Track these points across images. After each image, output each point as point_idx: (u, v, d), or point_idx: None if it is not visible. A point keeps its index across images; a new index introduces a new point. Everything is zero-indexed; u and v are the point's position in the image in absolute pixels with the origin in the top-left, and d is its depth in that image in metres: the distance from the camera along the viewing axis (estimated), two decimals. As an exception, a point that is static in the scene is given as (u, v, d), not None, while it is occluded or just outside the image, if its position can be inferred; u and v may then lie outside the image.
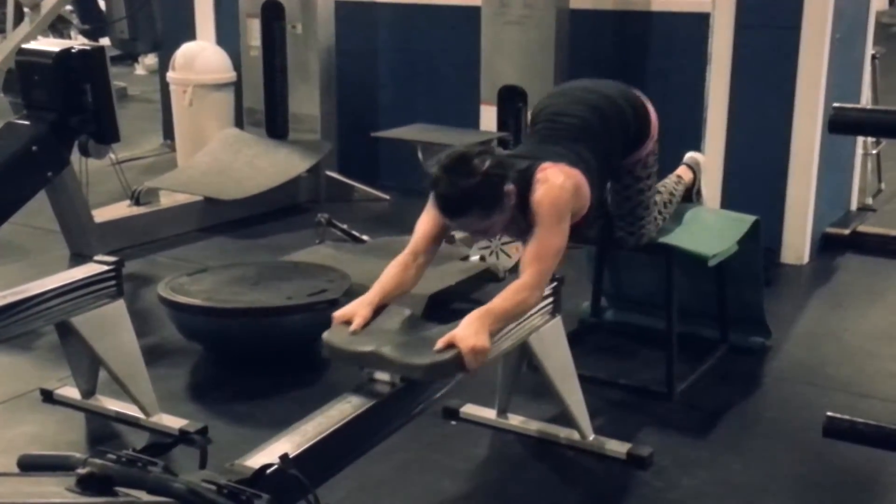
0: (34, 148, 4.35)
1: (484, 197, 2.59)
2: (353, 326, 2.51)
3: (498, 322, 2.53)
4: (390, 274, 2.68)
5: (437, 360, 2.38)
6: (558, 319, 2.89)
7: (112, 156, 4.75)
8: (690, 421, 3.27)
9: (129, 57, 9.52)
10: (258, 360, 3.60)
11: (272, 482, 1.96)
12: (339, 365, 3.58)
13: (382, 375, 2.45)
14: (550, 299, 2.84)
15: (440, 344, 2.41)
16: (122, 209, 5.09)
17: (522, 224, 2.72)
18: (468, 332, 2.42)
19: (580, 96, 3.06)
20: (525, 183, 2.68)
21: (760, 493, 2.86)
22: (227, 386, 3.50)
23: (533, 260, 2.62)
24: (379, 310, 2.58)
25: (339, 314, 2.57)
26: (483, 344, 2.42)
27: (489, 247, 3.88)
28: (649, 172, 3.18)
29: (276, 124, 5.94)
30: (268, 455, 2.08)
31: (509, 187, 2.63)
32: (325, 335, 2.52)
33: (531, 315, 2.73)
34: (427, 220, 2.75)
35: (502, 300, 2.56)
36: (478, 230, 2.75)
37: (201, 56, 6.18)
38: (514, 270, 2.88)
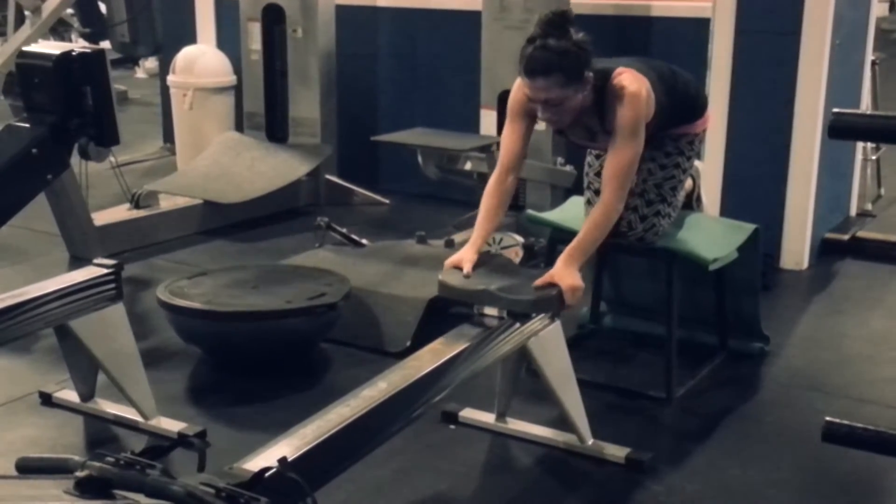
0: (34, 150, 4.35)
1: (569, 64, 2.78)
2: (465, 270, 2.84)
3: (588, 253, 2.90)
4: (489, 202, 2.99)
5: (542, 295, 2.78)
6: (558, 324, 2.89)
7: (112, 159, 4.75)
8: (689, 426, 3.27)
9: (129, 60, 9.53)
10: (257, 363, 3.60)
11: (271, 485, 1.96)
12: (338, 369, 3.59)
13: (491, 311, 2.85)
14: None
15: (540, 282, 2.79)
16: (121, 212, 5.08)
17: (592, 122, 2.97)
18: (566, 272, 2.80)
19: (655, 62, 3.24)
20: (602, 81, 2.88)
21: (759, 498, 2.85)
22: (226, 389, 3.50)
23: (613, 177, 2.88)
24: (483, 256, 2.94)
25: (449, 261, 2.92)
26: (578, 283, 2.80)
27: (489, 250, 3.88)
28: (691, 154, 3.31)
29: (276, 128, 5.94)
30: (266, 458, 2.07)
31: (589, 74, 2.84)
32: (441, 276, 2.87)
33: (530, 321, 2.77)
34: (510, 134, 3.02)
35: (589, 230, 2.90)
36: (551, 100, 2.84)
37: (202, 60, 6.18)
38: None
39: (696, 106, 3.27)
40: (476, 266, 2.89)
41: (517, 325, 2.77)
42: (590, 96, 2.90)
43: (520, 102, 3.00)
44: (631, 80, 2.91)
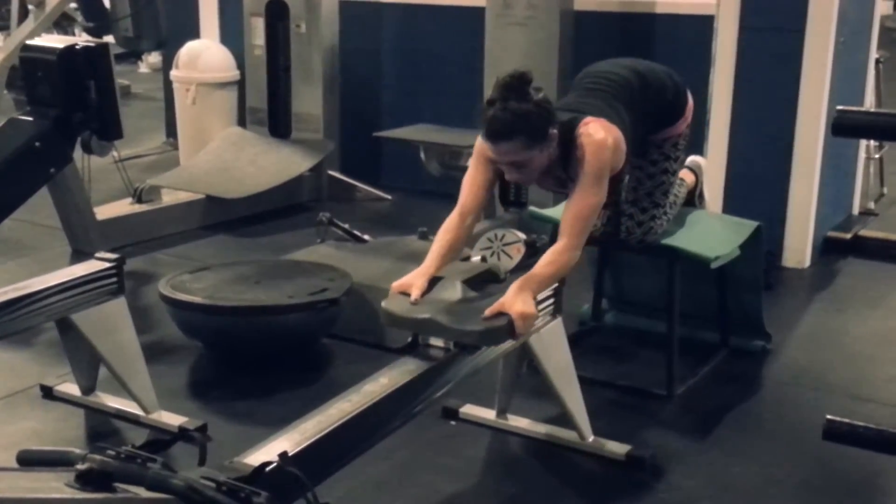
0: (37, 144, 4.35)
1: (532, 126, 2.67)
2: (413, 297, 2.64)
3: (542, 287, 2.69)
4: (442, 241, 2.80)
5: (490, 325, 2.56)
6: (559, 321, 2.89)
7: (114, 153, 4.75)
8: (690, 423, 3.27)
9: (132, 55, 9.51)
10: (258, 358, 3.60)
11: (271, 480, 1.96)
12: (340, 364, 3.59)
13: (437, 341, 2.64)
14: (551, 300, 2.84)
15: (489, 312, 2.57)
16: (124, 206, 5.09)
17: (560, 175, 2.85)
18: (517, 299, 2.58)
19: (626, 63, 3.18)
20: (567, 134, 2.78)
21: (760, 496, 2.85)
22: (227, 384, 3.50)
23: (573, 221, 2.74)
24: (433, 281, 2.72)
25: (396, 285, 2.72)
26: (531, 310, 2.59)
27: (490, 247, 3.88)
28: (678, 155, 3.26)
29: (278, 123, 5.94)
30: (267, 453, 2.07)
31: (553, 131, 2.72)
32: (384, 303, 2.67)
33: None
34: (472, 175, 2.87)
35: (545, 265, 2.70)
36: (516, 162, 2.73)
37: (205, 55, 6.18)
38: (516, 271, 2.88)
39: (674, 108, 3.19)
40: (425, 292, 2.67)
41: (465, 357, 2.62)
42: (556, 151, 2.78)
43: (486, 151, 2.82)
44: (597, 129, 2.79)
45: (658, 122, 3.16)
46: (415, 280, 2.70)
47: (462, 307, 2.64)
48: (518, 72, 2.71)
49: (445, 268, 2.78)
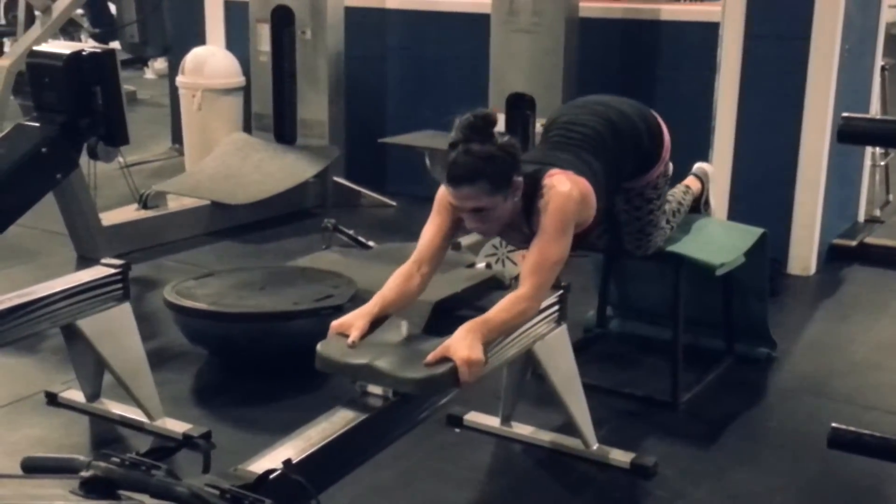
0: (43, 150, 4.36)
1: (494, 170, 2.51)
2: (351, 339, 2.44)
3: (493, 333, 2.46)
4: (392, 285, 2.61)
5: (431, 374, 2.32)
6: (564, 328, 2.88)
7: (120, 159, 4.75)
8: (695, 431, 3.26)
9: (139, 61, 9.52)
10: (263, 364, 3.60)
11: (275, 487, 1.96)
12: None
13: (376, 389, 2.41)
14: (556, 307, 2.83)
15: (432, 357, 2.34)
16: (129, 212, 5.10)
17: (525, 229, 2.67)
18: (462, 343, 2.36)
19: (595, 109, 3.02)
20: (532, 186, 2.63)
21: (765, 505, 2.85)
22: (232, 390, 3.50)
23: (533, 271, 2.56)
24: (378, 321, 2.52)
25: (336, 324, 2.51)
26: (477, 356, 2.35)
27: (495, 254, 3.88)
28: (659, 193, 3.16)
29: (284, 129, 5.95)
30: (271, 460, 2.08)
31: (517, 179, 2.58)
32: (319, 346, 2.45)
33: (536, 323, 2.73)
34: (432, 224, 2.70)
35: (499, 311, 2.50)
36: (479, 209, 2.56)
37: (211, 61, 6.20)
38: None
39: (650, 154, 3.04)
40: (366, 334, 2.47)
41: (407, 406, 2.43)
42: (520, 202, 2.62)
43: (447, 199, 2.65)
44: (563, 181, 2.63)
45: (635, 170, 3.05)
46: (355, 320, 2.48)
47: (404, 351, 2.43)
48: (482, 112, 2.57)
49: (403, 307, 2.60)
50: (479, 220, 2.61)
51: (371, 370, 2.35)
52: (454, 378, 2.34)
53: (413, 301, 2.63)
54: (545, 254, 2.57)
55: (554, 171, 2.68)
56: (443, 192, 2.66)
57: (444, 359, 2.34)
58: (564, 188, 2.62)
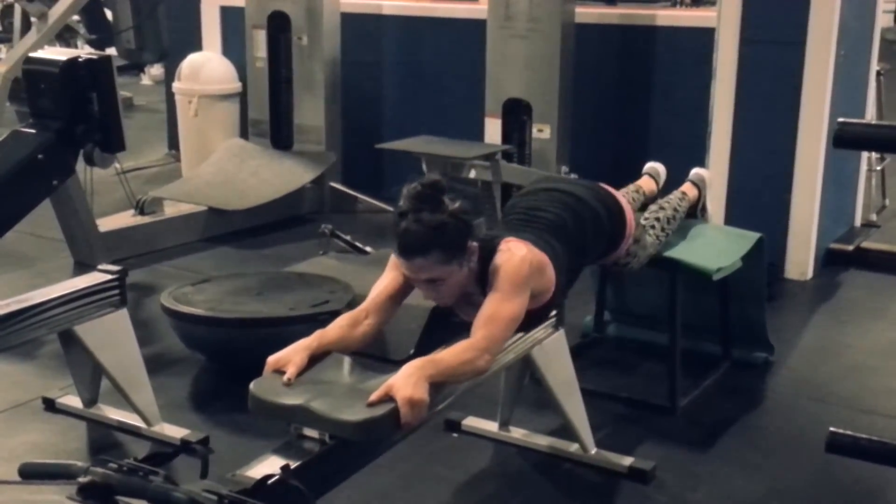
0: (40, 156, 4.36)
1: (447, 238, 2.41)
2: (287, 376, 2.28)
3: (439, 376, 2.31)
4: (336, 325, 2.49)
5: (369, 416, 2.15)
6: (561, 333, 2.88)
7: (117, 165, 4.76)
8: (693, 435, 3.26)
9: (135, 67, 9.53)
10: (260, 370, 3.59)
11: (273, 493, 1.96)
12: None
13: (312, 432, 2.24)
14: (554, 312, 2.84)
15: (374, 396, 2.19)
16: (126, 218, 5.10)
17: (479, 300, 2.52)
18: (407, 382, 2.21)
19: (555, 196, 2.97)
20: (487, 252, 2.52)
21: (763, 509, 2.85)
22: (230, 396, 3.49)
23: (486, 322, 2.43)
24: (318, 357, 2.37)
25: (272, 360, 2.36)
26: (421, 396, 2.21)
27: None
28: (631, 257, 3.15)
29: (280, 135, 5.96)
30: (269, 465, 2.07)
31: (473, 245, 2.47)
32: (253, 386, 2.28)
33: (535, 328, 2.74)
34: (385, 279, 2.60)
35: (448, 355, 2.36)
36: (431, 279, 2.47)
37: (207, 67, 6.20)
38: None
39: (613, 235, 3.02)
40: (304, 370, 2.31)
41: (345, 450, 2.26)
42: (476, 267, 2.51)
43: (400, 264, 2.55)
44: (519, 247, 2.55)
45: (602, 252, 3.04)
46: (292, 355, 2.33)
47: (345, 390, 2.26)
48: (430, 180, 2.48)
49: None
50: (434, 290, 2.52)
51: (306, 412, 2.18)
52: (395, 420, 2.18)
53: (353, 348, 2.48)
54: (498, 309, 2.45)
55: (510, 238, 2.62)
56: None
57: (387, 398, 2.20)
58: (520, 252, 2.55)
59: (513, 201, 3.07)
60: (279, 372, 2.32)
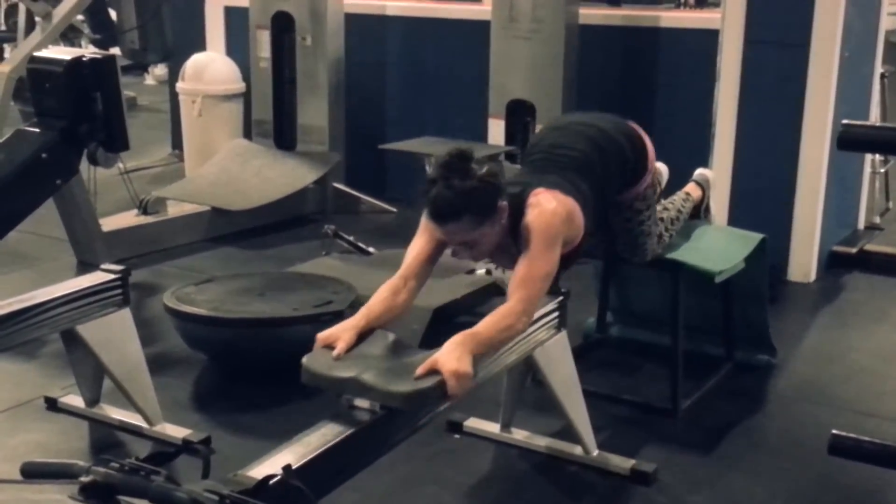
0: (44, 155, 4.36)
1: (478, 203, 2.51)
2: (336, 351, 2.42)
3: (482, 347, 2.43)
4: (379, 298, 2.59)
5: (419, 387, 2.30)
6: (563, 334, 2.88)
7: (120, 165, 4.76)
8: (695, 438, 3.26)
9: (139, 67, 9.56)
10: (263, 370, 3.60)
11: (275, 493, 1.96)
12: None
13: (362, 402, 2.35)
14: (556, 314, 2.84)
15: (421, 370, 2.32)
16: (129, 218, 5.10)
17: (513, 250, 2.64)
18: (451, 356, 2.33)
19: (578, 130, 3.01)
20: (517, 207, 2.62)
21: (765, 512, 2.85)
22: (232, 396, 3.50)
23: (521, 284, 2.54)
24: (364, 334, 2.50)
25: (321, 337, 2.48)
26: (466, 369, 2.33)
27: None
28: (648, 204, 3.14)
29: (284, 135, 5.96)
30: (271, 466, 2.07)
31: (502, 203, 2.57)
32: (305, 359, 2.43)
33: (536, 329, 2.73)
34: (419, 241, 2.69)
35: (488, 325, 2.47)
36: (466, 241, 2.58)
37: (211, 67, 6.21)
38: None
39: (636, 169, 3.03)
40: (353, 346, 2.45)
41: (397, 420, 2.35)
42: (507, 224, 2.61)
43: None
44: (548, 199, 2.63)
45: (622, 185, 3.04)
46: (341, 333, 2.46)
47: (392, 364, 2.40)
48: (457, 150, 2.57)
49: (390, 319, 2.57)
50: (469, 251, 2.63)
51: (358, 384, 2.31)
52: (442, 391, 2.32)
53: (399, 315, 2.61)
54: (532, 268, 2.56)
55: (539, 189, 2.67)
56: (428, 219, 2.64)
57: (433, 372, 2.32)
58: (550, 205, 2.62)
59: (535, 139, 3.11)
60: (328, 347, 2.45)
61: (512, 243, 2.65)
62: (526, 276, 2.55)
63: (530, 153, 3.02)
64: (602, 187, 2.91)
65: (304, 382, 2.43)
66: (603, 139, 2.97)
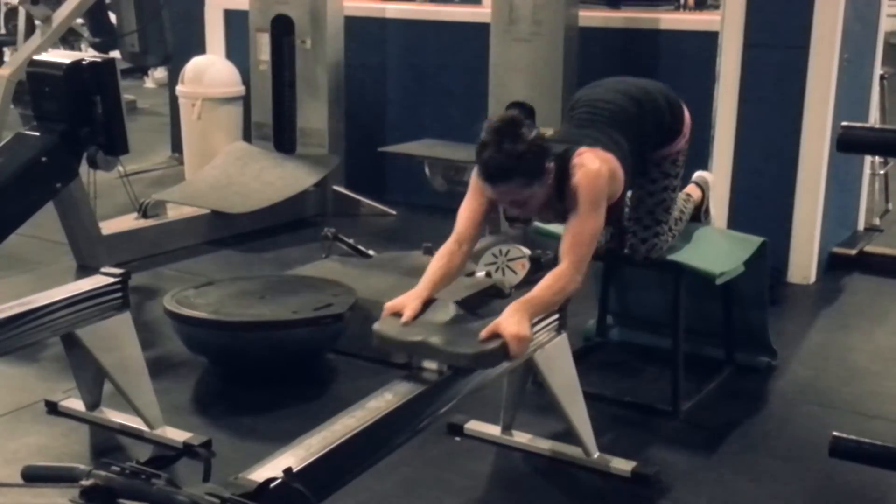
0: (43, 159, 4.36)
1: (528, 165, 2.66)
2: (404, 318, 2.61)
3: (538, 309, 2.65)
4: (437, 265, 2.77)
5: (483, 348, 2.52)
6: (564, 336, 2.88)
7: (120, 168, 4.76)
8: (696, 439, 3.26)
9: (139, 70, 9.56)
10: (263, 373, 3.60)
11: (276, 496, 1.96)
12: (344, 380, 3.59)
13: (430, 364, 2.56)
14: (556, 316, 2.84)
15: (484, 334, 2.53)
16: (129, 221, 5.10)
17: (558, 207, 2.82)
18: (511, 321, 2.54)
19: (619, 87, 3.16)
20: (562, 166, 2.78)
21: (766, 514, 2.84)
22: (232, 399, 3.50)
23: (572, 247, 2.72)
24: (427, 303, 2.68)
25: (389, 305, 2.68)
26: (525, 332, 2.55)
27: (495, 263, 3.88)
28: (677, 171, 3.26)
29: (283, 138, 5.96)
30: (272, 469, 2.07)
31: (549, 165, 2.73)
32: (376, 325, 2.64)
33: (536, 332, 2.73)
34: (469, 204, 2.85)
35: (542, 289, 2.66)
36: (516, 201, 2.76)
37: (210, 70, 6.21)
38: (521, 286, 2.88)
39: (672, 128, 3.18)
40: (419, 314, 2.64)
41: (459, 380, 2.56)
42: (553, 182, 2.78)
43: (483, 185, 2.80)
44: (591, 158, 2.79)
45: (657, 142, 3.16)
46: (408, 301, 2.66)
47: (455, 329, 2.61)
48: (508, 115, 2.74)
49: (445, 288, 2.76)
50: (518, 209, 2.84)
51: (427, 346, 2.53)
52: (504, 352, 2.53)
53: (457, 276, 2.83)
54: (581, 230, 2.74)
55: (582, 149, 2.82)
56: (478, 178, 2.80)
57: (495, 335, 2.52)
58: (594, 166, 2.77)
59: (579, 94, 3.23)
60: (396, 315, 2.64)
61: (557, 200, 2.81)
62: (575, 239, 2.73)
63: (573, 108, 3.16)
64: (640, 142, 3.04)
65: (375, 346, 2.66)
66: (642, 95, 3.13)
